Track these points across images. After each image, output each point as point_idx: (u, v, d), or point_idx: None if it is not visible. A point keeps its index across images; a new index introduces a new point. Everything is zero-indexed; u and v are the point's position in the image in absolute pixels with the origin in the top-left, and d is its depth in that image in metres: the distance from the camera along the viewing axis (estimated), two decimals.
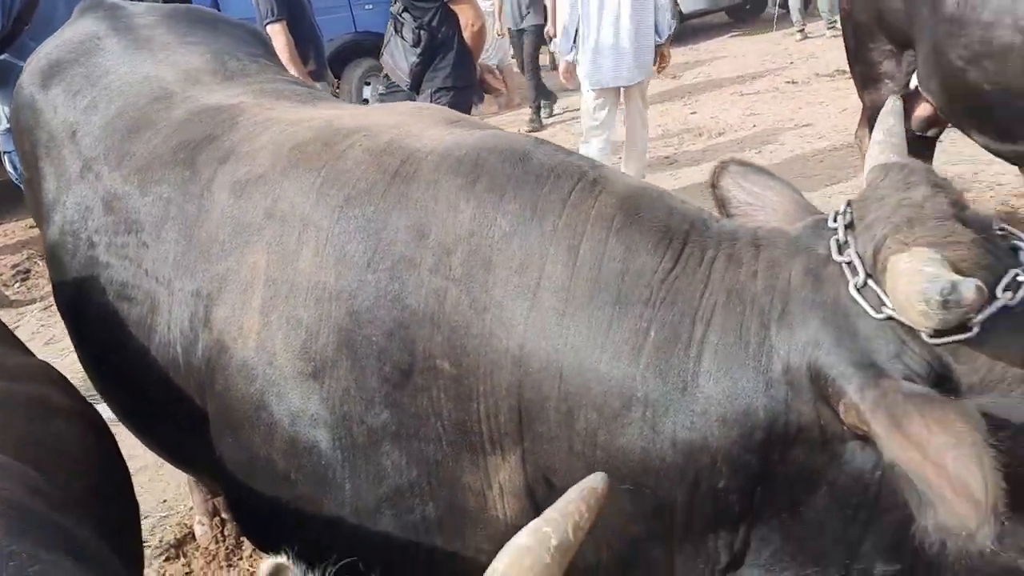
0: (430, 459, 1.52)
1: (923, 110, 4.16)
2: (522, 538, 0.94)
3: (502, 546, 0.95)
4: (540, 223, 1.46)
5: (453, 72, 4.77)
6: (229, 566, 3.08)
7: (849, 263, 1.26)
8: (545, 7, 9.47)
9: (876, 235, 1.24)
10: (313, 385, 1.55)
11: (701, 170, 6.70)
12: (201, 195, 1.84)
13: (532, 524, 0.97)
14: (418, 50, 4.73)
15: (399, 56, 4.86)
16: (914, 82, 4.06)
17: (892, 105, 1.59)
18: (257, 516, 1.70)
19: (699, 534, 1.42)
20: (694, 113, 8.73)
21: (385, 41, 5.05)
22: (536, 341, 1.41)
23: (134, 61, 2.38)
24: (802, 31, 11.58)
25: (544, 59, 11.22)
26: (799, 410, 1.28)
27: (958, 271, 1.15)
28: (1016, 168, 4.15)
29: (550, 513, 0.98)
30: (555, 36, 9.20)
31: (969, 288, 1.09)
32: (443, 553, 1.57)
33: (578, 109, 9.74)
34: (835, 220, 1.33)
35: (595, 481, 1.04)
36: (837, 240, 1.30)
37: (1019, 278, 1.18)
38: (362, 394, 1.52)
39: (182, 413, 1.84)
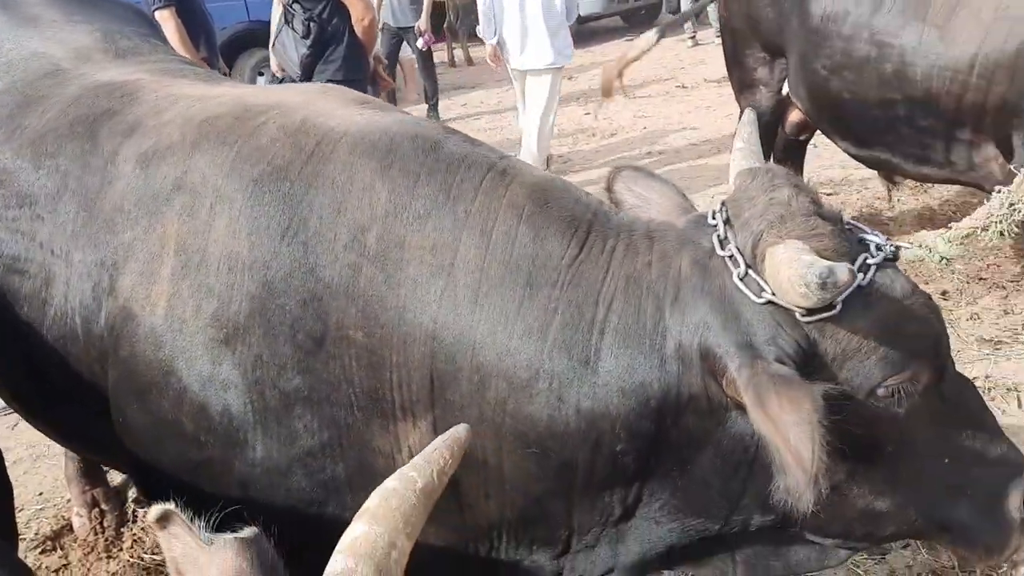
0: (341, 423, 1.57)
1: (795, 116, 4.46)
2: (391, 481, 1.05)
3: None
4: (453, 208, 1.55)
5: (344, 65, 4.69)
6: (108, 557, 2.98)
7: (731, 256, 1.43)
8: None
9: (753, 230, 1.42)
10: (225, 351, 1.58)
11: (594, 169, 6.91)
12: (104, 167, 1.81)
13: (400, 469, 1.07)
14: (308, 42, 4.63)
15: (290, 47, 4.74)
16: (786, 88, 4.34)
17: (748, 116, 1.80)
18: (163, 481, 1.69)
19: (597, 491, 1.55)
20: (588, 114, 8.96)
21: (276, 32, 4.94)
22: (450, 316, 1.50)
23: (19, 38, 2.30)
24: (693, 38, 12.07)
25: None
26: (689, 382, 1.45)
27: (822, 258, 1.33)
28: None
29: (417, 459, 1.10)
30: (425, 31, 9.21)
31: (843, 271, 1.28)
32: (352, 512, 1.60)
33: (476, 106, 9.82)
34: (714, 218, 1.50)
35: (458, 431, 1.16)
36: (718, 236, 1.46)
37: (868, 261, 1.40)
38: (275, 360, 1.56)
39: (80, 385, 1.82)
